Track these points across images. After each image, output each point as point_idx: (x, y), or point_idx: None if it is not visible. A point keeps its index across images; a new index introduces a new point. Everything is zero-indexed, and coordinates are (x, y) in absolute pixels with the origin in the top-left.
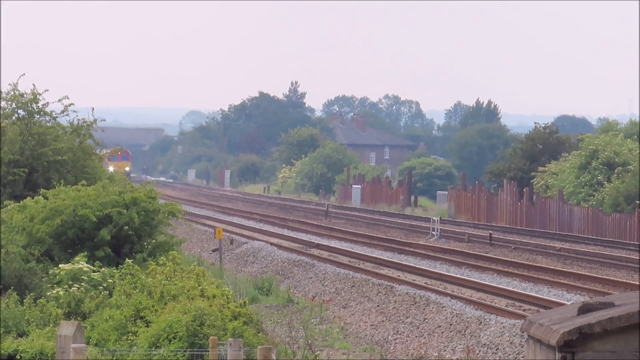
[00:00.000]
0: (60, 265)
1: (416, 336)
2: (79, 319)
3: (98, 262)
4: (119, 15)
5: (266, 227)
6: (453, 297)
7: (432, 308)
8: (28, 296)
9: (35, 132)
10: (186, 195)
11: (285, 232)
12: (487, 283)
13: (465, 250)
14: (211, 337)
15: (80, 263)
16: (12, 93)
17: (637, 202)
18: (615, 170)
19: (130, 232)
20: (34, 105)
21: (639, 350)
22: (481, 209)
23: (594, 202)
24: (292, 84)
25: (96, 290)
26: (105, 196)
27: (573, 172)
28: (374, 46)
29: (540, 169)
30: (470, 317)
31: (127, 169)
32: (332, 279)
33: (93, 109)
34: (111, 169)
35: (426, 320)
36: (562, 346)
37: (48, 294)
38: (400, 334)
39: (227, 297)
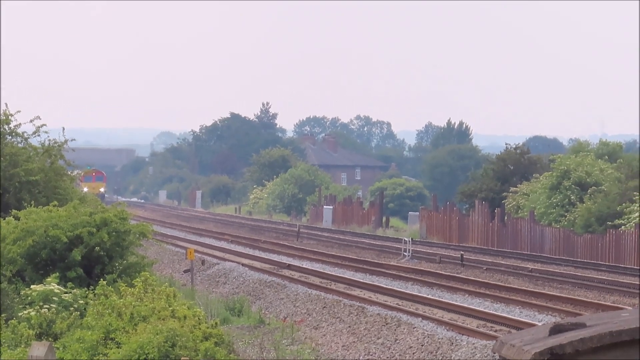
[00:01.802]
0: (32, 286)
1: (387, 357)
2: (50, 339)
3: (70, 282)
4: (91, 36)
5: (238, 248)
6: (425, 317)
7: (404, 329)
8: None
9: (7, 153)
10: (158, 215)
11: (257, 252)
12: (458, 304)
13: (437, 271)
14: (183, 359)
15: (52, 284)
16: None
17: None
18: (588, 191)
19: (102, 253)
20: (6, 127)
21: None
22: (453, 230)
23: (566, 223)
24: (263, 104)
25: (67, 311)
26: (76, 217)
27: (544, 193)
28: (345, 67)
29: (511, 189)
30: (442, 338)
31: (102, 189)
32: (303, 300)
33: (64, 128)
34: (85, 189)
35: (397, 341)
36: None
37: (20, 314)
38: (371, 355)
39: (198, 318)
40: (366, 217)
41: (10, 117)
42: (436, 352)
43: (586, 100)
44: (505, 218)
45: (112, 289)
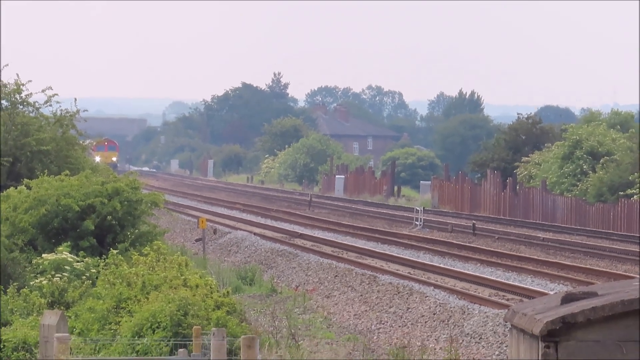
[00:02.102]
0: (43, 255)
1: (399, 326)
2: (62, 308)
3: (82, 252)
4: (104, 6)
5: (249, 217)
6: (436, 286)
7: (416, 298)
8: (11, 286)
9: (18, 123)
10: (169, 185)
11: (269, 222)
12: (470, 273)
13: (448, 240)
14: (195, 327)
15: (64, 253)
16: None
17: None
18: (600, 160)
19: (114, 222)
20: (17, 96)
21: (622, 340)
22: (464, 199)
23: (577, 192)
24: (275, 74)
25: (79, 280)
26: (88, 186)
27: (556, 162)
28: (357, 37)
29: (523, 159)
30: (454, 307)
31: (114, 159)
32: (315, 269)
33: (76, 99)
34: (97, 159)
35: (409, 310)
36: (546, 336)
37: (31, 283)
38: (383, 324)
39: (210, 287)
40: (378, 186)
41: (21, 86)
42: (448, 321)
43: (598, 70)
44: (517, 187)
45: (123, 258)
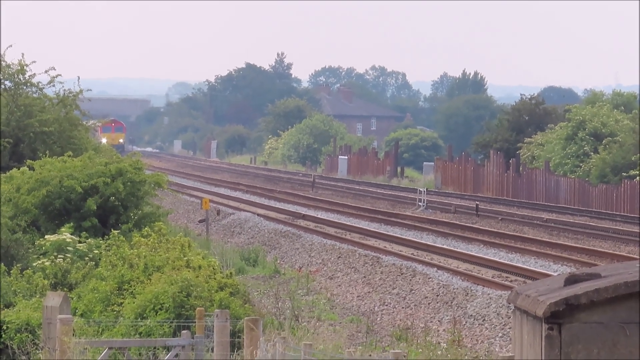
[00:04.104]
0: (46, 237)
1: (403, 307)
2: (65, 289)
3: (84, 232)
4: None
5: (253, 198)
6: (440, 268)
7: (419, 279)
8: (15, 267)
9: (21, 104)
10: (172, 166)
11: (272, 203)
12: (473, 254)
13: (451, 221)
14: (198, 309)
15: (64, 234)
16: None
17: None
18: (603, 141)
19: (117, 203)
20: (21, 77)
21: (625, 322)
22: (467, 180)
23: (581, 173)
24: (278, 54)
25: (82, 261)
26: (92, 167)
27: (559, 143)
28: (360, 17)
29: (526, 140)
30: (457, 288)
31: (121, 140)
32: (318, 250)
33: (79, 77)
34: (104, 140)
35: (413, 292)
36: (549, 317)
37: (34, 264)
38: (386, 305)
39: (213, 268)
40: (381, 167)
41: (25, 67)
42: (451, 302)
43: (601, 51)
44: (520, 168)
45: (124, 239)
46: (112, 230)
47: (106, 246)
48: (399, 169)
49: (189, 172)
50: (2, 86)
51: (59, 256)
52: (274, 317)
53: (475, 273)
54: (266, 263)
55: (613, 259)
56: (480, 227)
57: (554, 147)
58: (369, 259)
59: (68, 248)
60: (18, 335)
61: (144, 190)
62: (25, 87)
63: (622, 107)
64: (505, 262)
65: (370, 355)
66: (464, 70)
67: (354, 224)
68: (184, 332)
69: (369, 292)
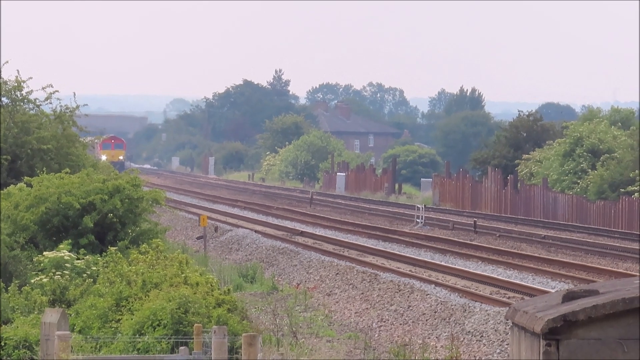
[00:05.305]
0: (44, 253)
1: (400, 324)
2: (63, 306)
3: (82, 249)
4: (104, 3)
5: (251, 214)
6: (437, 284)
7: (417, 295)
8: (13, 283)
9: (18, 120)
10: (170, 182)
11: (270, 219)
12: (471, 270)
13: (449, 238)
14: (196, 325)
15: (62, 251)
16: None
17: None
18: (601, 158)
19: (114, 220)
20: (18, 93)
21: (623, 338)
22: (465, 197)
23: (578, 190)
24: (276, 71)
25: (80, 277)
26: (89, 184)
27: (557, 160)
28: (358, 34)
29: (524, 156)
30: (455, 305)
31: (121, 157)
32: (316, 267)
33: (75, 93)
34: (104, 157)
35: (410, 308)
36: (547, 333)
37: (32, 281)
38: (384, 322)
39: (211, 285)
40: (379, 183)
41: (22, 83)
42: (449, 319)
43: (598, 67)
44: (518, 185)
45: (122, 256)
46: (109, 247)
47: (104, 263)
48: (396, 186)
49: (187, 189)
50: (0, 103)
51: (57, 273)
52: (272, 333)
53: (473, 289)
54: (264, 280)
55: (611, 275)
56: (478, 244)
57: (551, 164)
58: (366, 276)
59: (66, 265)
60: (16, 351)
61: (141, 207)
62: (22, 104)
63: (620, 124)
64: (503, 278)
65: None
66: (461, 87)
67: (352, 241)
68: (181, 348)
69: (366, 308)
